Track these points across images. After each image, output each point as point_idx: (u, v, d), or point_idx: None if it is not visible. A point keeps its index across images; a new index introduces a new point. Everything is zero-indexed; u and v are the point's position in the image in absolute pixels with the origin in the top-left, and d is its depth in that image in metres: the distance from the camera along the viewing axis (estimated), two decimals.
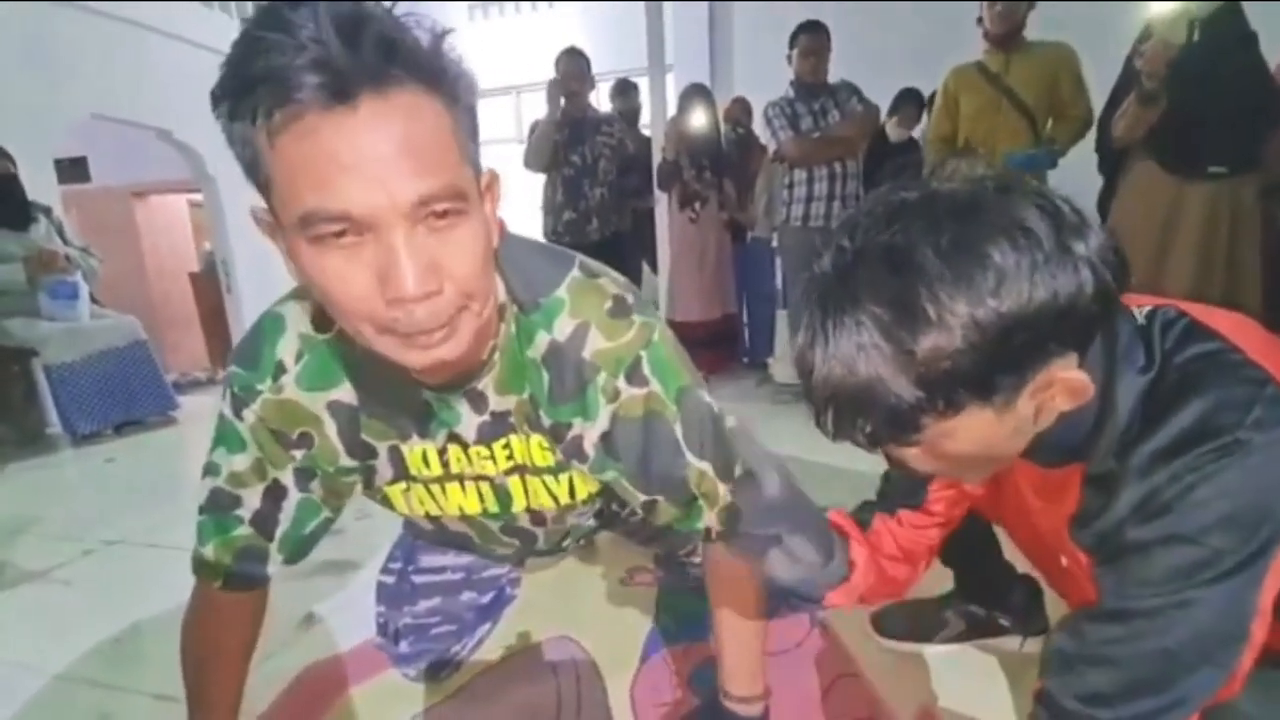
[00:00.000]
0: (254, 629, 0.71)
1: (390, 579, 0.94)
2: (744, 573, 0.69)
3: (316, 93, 0.38)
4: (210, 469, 0.66)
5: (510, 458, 0.69)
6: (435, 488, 0.71)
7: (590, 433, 0.64)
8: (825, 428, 0.48)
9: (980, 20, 2.21)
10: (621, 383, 0.62)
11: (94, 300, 2.80)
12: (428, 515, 0.76)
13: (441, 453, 0.67)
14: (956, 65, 2.31)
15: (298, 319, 0.62)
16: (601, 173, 2.89)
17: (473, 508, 0.74)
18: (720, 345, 3.40)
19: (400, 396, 0.63)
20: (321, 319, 0.61)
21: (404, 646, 0.93)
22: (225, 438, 0.65)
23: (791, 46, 2.54)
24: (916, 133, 3.39)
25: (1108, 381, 0.48)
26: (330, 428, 0.64)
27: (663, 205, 3.18)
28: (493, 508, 0.74)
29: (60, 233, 2.75)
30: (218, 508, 0.66)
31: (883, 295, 0.42)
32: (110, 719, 0.97)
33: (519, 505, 0.74)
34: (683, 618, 1.11)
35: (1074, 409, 0.46)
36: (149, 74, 3.87)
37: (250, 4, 4.54)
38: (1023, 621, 0.97)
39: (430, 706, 0.93)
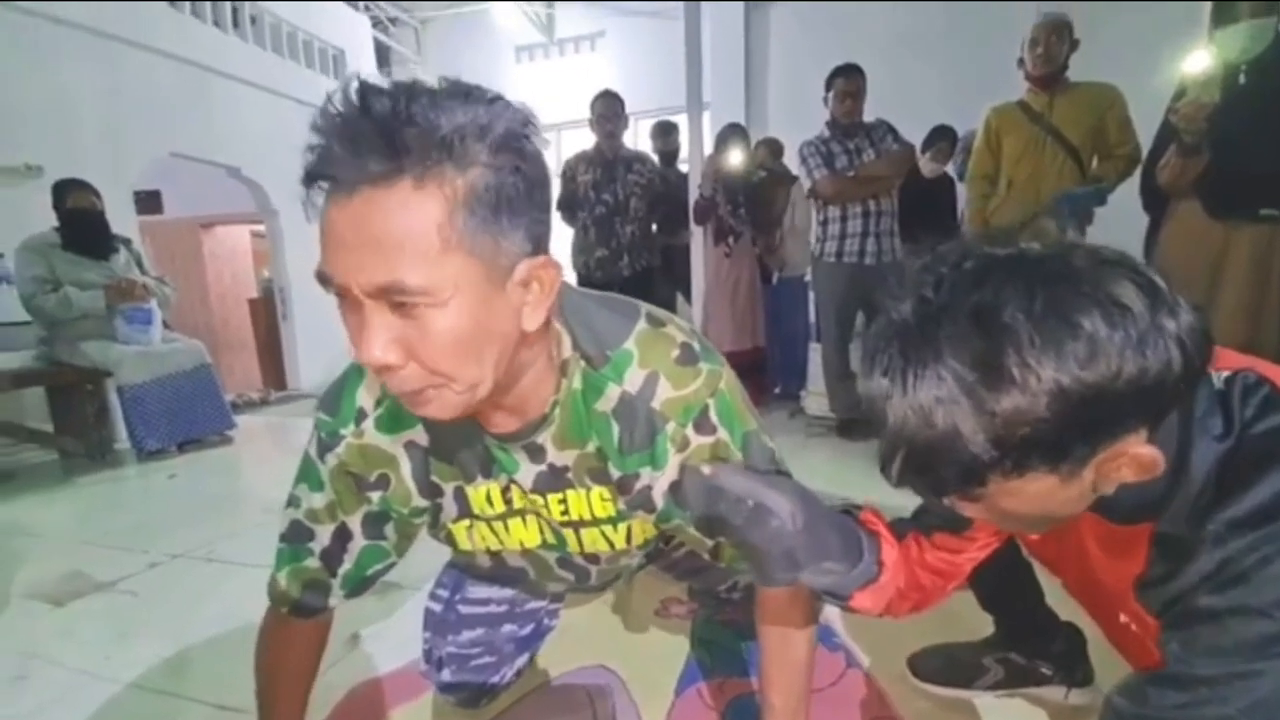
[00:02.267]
0: (316, 652, 0.77)
1: (437, 606, 0.98)
2: (797, 617, 0.70)
3: (331, 180, 0.45)
4: (292, 501, 0.72)
5: (565, 513, 0.71)
6: (498, 524, 0.74)
7: (660, 482, 0.65)
8: (890, 473, 0.48)
9: (1021, 62, 2.23)
10: (690, 431, 0.63)
11: (165, 326, 3.00)
12: (489, 551, 0.79)
13: (504, 490, 0.70)
14: (996, 104, 2.33)
15: None
16: (633, 210, 2.98)
17: (533, 541, 0.77)
18: (749, 376, 3.41)
19: (465, 441, 0.66)
20: None
21: (446, 675, 0.96)
22: (308, 476, 0.71)
23: (828, 89, 2.60)
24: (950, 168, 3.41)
25: (1183, 448, 0.47)
26: (405, 468, 0.68)
27: (698, 239, 3.25)
28: (551, 540, 0.77)
29: (139, 263, 2.97)
30: (295, 538, 0.72)
31: (967, 353, 0.42)
32: None
33: (573, 548, 0.77)
34: (718, 652, 1.12)
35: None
36: (221, 115, 4.20)
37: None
38: (1067, 671, 0.95)
39: None
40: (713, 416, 0.64)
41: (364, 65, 5.55)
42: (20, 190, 3.08)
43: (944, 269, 0.45)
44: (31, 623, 1.40)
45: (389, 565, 0.76)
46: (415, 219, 0.44)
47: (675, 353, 0.63)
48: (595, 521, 0.73)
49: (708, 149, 3.32)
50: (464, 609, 0.96)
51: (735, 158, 3.13)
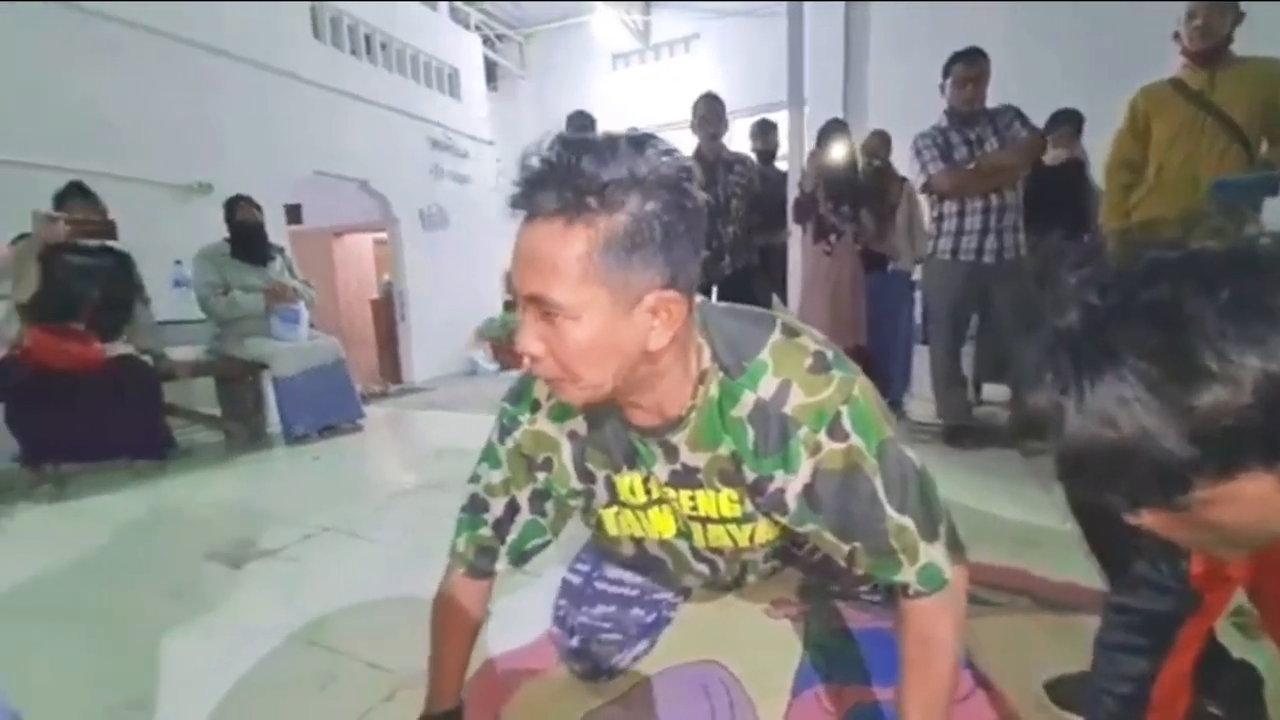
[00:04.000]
0: (480, 612, 0.87)
1: (576, 579, 1.06)
2: (943, 634, 0.69)
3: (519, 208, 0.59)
4: (474, 478, 0.84)
5: (694, 509, 0.78)
6: (640, 513, 0.82)
7: (792, 485, 0.68)
8: (1075, 486, 0.47)
9: (1177, 35, 2.01)
10: (823, 436, 0.66)
11: (310, 325, 3.36)
12: (633, 538, 0.87)
13: (645, 481, 0.77)
14: (1146, 84, 2.11)
15: None
16: (733, 211, 2.99)
17: (669, 531, 0.83)
18: None
19: (614, 433, 0.75)
20: None
21: (575, 641, 1.03)
22: (489, 456, 0.83)
23: (945, 75, 2.46)
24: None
25: None
26: (566, 453, 0.78)
27: (796, 237, 3.19)
28: (683, 529, 0.83)
29: (290, 269, 3.35)
30: (474, 509, 0.84)
31: (1148, 351, 0.40)
32: (336, 680, 1.16)
33: (698, 541, 0.83)
34: (834, 656, 1.11)
35: None
36: (352, 133, 4.63)
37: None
38: (1238, 714, 0.86)
39: (593, 710, 1.01)
40: (845, 423, 0.66)
41: (475, 82, 5.92)
42: (194, 205, 3.57)
43: (1107, 275, 0.43)
44: (214, 583, 1.61)
45: (545, 543, 0.86)
46: (564, 250, 0.55)
47: (808, 361, 0.67)
48: (721, 520, 0.77)
49: (807, 146, 3.25)
50: (600, 585, 1.04)
51: (839, 152, 3.05)
